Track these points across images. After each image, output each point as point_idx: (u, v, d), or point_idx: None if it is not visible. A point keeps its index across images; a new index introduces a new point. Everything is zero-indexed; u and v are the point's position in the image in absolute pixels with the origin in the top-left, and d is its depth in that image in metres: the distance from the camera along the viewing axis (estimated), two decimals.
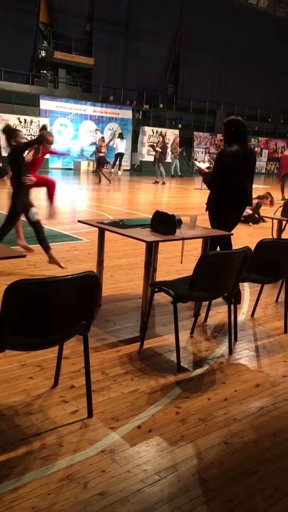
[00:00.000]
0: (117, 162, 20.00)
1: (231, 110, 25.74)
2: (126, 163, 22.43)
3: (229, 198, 4.57)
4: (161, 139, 17.95)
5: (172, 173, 20.40)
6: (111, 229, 4.25)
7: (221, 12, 25.86)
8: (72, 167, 20.66)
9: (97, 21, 22.91)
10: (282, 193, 14.17)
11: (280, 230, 5.55)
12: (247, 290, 5.19)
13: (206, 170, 4.78)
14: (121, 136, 20.50)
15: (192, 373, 3.30)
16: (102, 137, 17.70)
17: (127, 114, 22.62)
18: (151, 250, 3.91)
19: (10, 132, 5.21)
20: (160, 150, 17.27)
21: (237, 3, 26.54)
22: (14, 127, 5.66)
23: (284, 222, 5.44)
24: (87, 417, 2.66)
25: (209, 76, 26.66)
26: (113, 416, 2.69)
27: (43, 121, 19.45)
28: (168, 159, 20.32)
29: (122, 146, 20.16)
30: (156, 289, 3.62)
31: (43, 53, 21.58)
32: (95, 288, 2.46)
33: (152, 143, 18.88)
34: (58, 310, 2.37)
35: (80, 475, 2.21)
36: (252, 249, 3.72)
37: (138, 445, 2.46)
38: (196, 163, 6.16)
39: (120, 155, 20.08)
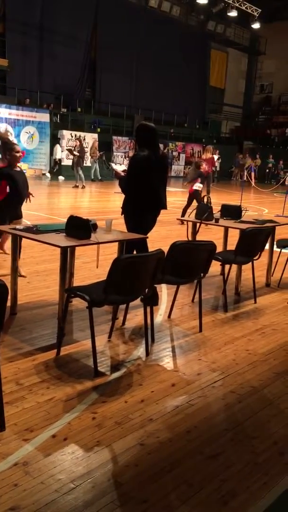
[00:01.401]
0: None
1: (148, 114, 26.18)
2: (45, 167, 22.06)
3: (143, 202, 4.64)
4: (78, 143, 17.83)
5: (92, 177, 20.36)
6: (25, 235, 4.16)
7: (135, 18, 26.17)
8: None
9: (10, 22, 22.27)
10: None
11: (194, 232, 5.72)
12: (165, 291, 5.29)
13: (122, 174, 4.80)
14: (58, 141, 20.64)
15: (109, 377, 3.30)
16: None
17: (44, 117, 22.23)
18: (66, 255, 3.86)
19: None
20: (78, 154, 17.16)
21: (150, 10, 26.99)
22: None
23: (198, 224, 5.61)
24: None
25: (126, 81, 26.88)
26: (27, 427, 2.62)
27: None
28: (88, 163, 20.30)
29: (59, 151, 20.51)
30: (72, 295, 3.59)
31: None
32: (3, 298, 2.39)
33: (69, 147, 18.70)
34: None
35: None
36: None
37: (53, 455, 2.41)
38: (113, 165, 6.16)
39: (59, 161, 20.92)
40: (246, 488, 2.28)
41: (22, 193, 5.20)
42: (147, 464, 2.40)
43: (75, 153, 17.18)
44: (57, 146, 21.13)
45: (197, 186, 10.17)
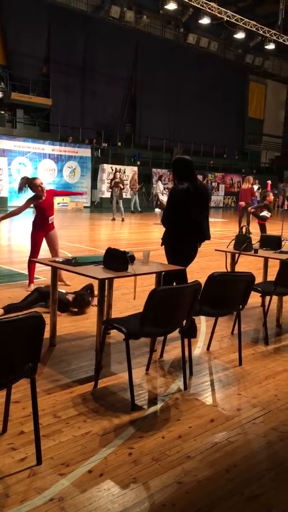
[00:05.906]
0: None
1: (187, 147, 26.52)
2: (86, 200, 22.57)
3: (183, 233, 4.64)
4: (118, 175, 18.07)
5: (132, 209, 20.63)
6: (63, 267, 4.24)
7: (174, 54, 26.94)
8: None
9: (54, 63, 23.41)
10: (239, 225, 14.51)
11: (233, 263, 5.65)
12: (204, 323, 5.21)
13: None
14: (159, 178, 21.59)
15: (146, 411, 3.25)
16: None
17: (86, 152, 22.92)
18: (104, 287, 3.90)
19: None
20: (122, 187, 17.47)
21: (189, 46, 27.72)
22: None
23: (237, 255, 5.55)
24: (36, 464, 2.56)
25: (165, 115, 27.49)
26: (64, 462, 2.60)
27: (1, 160, 19.46)
28: (128, 195, 20.64)
29: (159, 187, 21.35)
30: (109, 326, 3.60)
31: (0, 94, 21.75)
32: (40, 329, 2.42)
33: (117, 181, 18.46)
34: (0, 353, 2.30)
35: None
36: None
37: (89, 491, 2.38)
38: (160, 196, 6.21)
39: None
40: None
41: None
42: (185, 504, 2.32)
43: (121, 185, 17.43)
44: (159, 182, 21.76)
45: (265, 213, 10.29)
